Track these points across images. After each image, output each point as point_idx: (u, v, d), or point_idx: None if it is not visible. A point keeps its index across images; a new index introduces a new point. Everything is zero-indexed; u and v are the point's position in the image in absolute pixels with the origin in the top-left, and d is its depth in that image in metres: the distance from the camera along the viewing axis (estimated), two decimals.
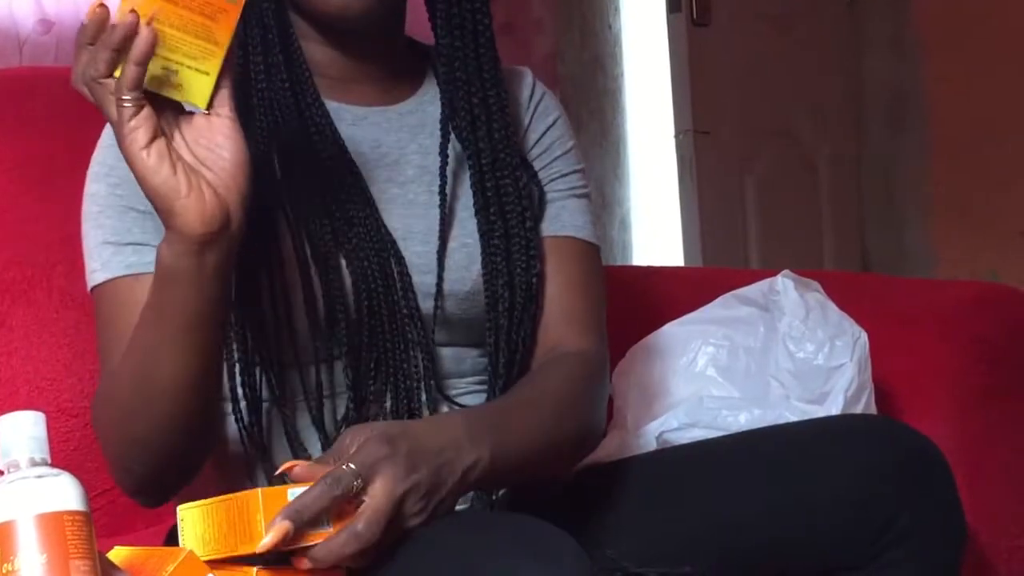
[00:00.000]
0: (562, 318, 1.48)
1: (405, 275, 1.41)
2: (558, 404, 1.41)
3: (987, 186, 3.96)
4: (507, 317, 1.44)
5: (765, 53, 3.63)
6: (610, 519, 1.43)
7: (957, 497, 1.39)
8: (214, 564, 1.18)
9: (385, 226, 1.42)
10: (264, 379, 1.39)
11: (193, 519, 1.21)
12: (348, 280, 1.38)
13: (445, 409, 1.43)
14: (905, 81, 4.02)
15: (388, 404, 1.40)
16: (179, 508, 1.22)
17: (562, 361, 1.45)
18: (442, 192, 1.45)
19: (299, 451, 1.39)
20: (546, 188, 1.52)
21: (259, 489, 1.17)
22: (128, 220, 1.38)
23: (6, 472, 0.98)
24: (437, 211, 1.45)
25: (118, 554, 1.17)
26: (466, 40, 1.46)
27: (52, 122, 1.78)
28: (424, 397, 1.41)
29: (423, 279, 1.43)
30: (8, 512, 0.95)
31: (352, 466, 1.19)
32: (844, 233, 3.96)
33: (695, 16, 3.37)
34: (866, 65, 4.03)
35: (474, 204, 1.45)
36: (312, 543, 1.18)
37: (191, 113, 1.22)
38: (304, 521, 1.17)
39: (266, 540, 1.15)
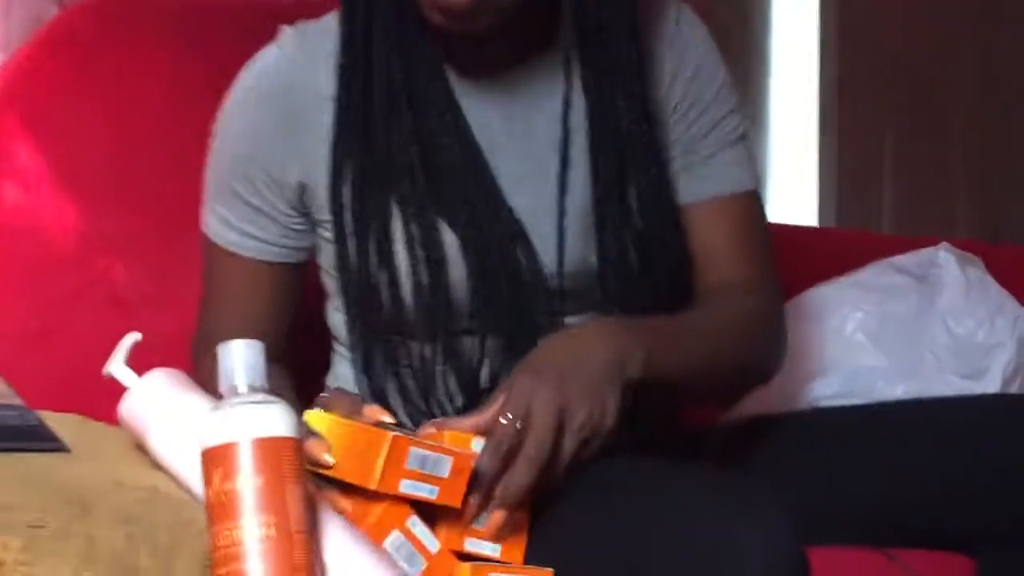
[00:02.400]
0: (730, 270, 1.45)
1: (531, 252, 1.39)
2: (725, 329, 1.40)
3: None
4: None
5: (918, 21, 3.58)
6: (778, 472, 1.41)
7: None
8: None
9: (509, 208, 1.38)
10: (379, 350, 1.42)
11: (319, 428, 1.19)
12: (462, 269, 1.37)
13: None
14: None
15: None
16: (306, 413, 1.19)
17: (732, 294, 1.43)
18: (562, 167, 1.40)
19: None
20: (696, 147, 1.46)
21: (390, 434, 1.16)
22: (236, 205, 1.43)
23: (227, 396, 1.02)
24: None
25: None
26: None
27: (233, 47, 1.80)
28: None
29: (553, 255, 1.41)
30: (229, 434, 0.99)
31: (509, 416, 1.21)
32: (978, 199, 3.92)
33: None
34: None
35: (592, 185, 1.40)
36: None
37: None
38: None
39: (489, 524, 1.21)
